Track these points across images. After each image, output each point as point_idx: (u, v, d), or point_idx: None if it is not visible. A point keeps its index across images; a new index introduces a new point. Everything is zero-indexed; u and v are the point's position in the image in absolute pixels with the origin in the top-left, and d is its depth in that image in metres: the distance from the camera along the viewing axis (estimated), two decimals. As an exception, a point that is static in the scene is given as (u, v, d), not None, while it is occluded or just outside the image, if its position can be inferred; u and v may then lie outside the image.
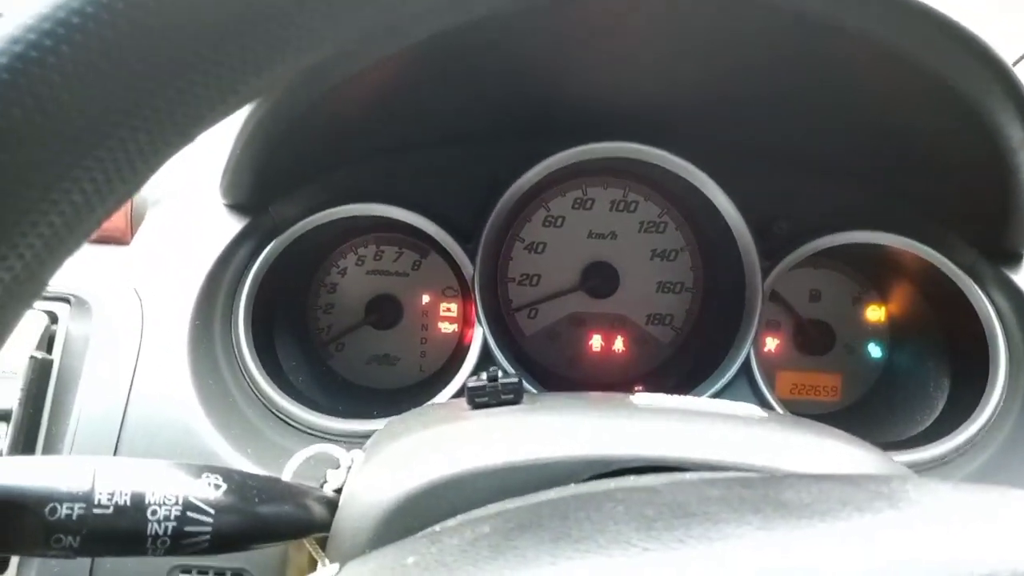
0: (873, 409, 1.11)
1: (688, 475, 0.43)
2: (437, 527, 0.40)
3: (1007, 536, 0.32)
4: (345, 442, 0.83)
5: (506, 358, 0.96)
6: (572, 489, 0.44)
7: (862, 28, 0.70)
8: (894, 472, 0.57)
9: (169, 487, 0.48)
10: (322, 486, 0.59)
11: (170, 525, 0.47)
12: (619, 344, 1.16)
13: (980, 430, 0.88)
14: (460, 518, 0.43)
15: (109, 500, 0.46)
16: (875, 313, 1.14)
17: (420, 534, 0.38)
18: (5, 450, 0.69)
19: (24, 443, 0.70)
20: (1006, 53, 0.72)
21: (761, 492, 0.36)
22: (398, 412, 0.80)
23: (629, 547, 0.31)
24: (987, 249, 0.93)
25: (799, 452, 0.56)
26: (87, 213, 0.27)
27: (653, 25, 0.78)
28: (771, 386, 0.99)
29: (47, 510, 0.43)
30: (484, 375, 0.64)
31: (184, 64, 0.26)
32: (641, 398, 0.64)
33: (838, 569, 0.28)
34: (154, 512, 0.47)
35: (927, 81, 0.73)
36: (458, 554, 0.33)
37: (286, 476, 0.61)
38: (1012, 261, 0.92)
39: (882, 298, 1.15)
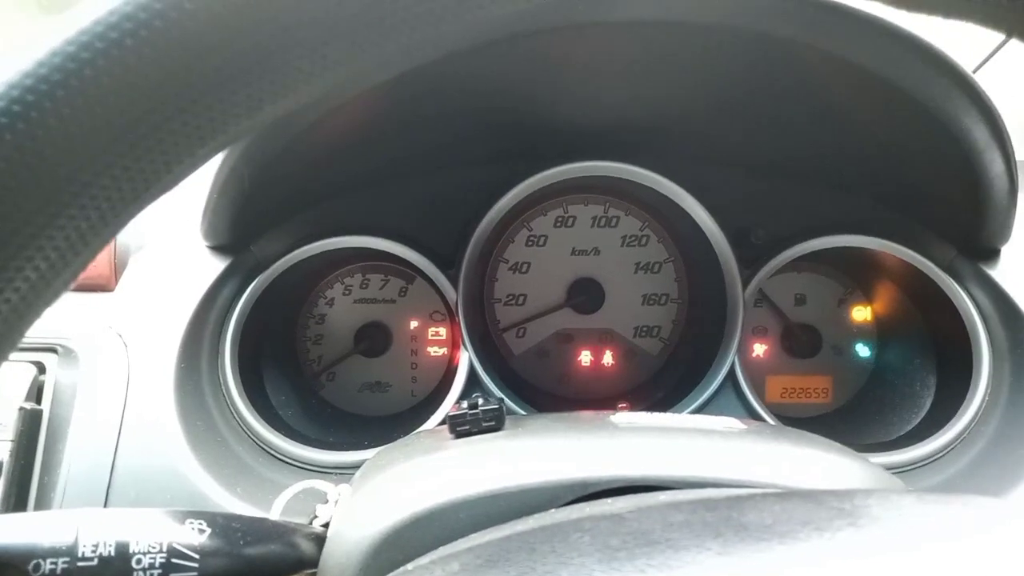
0: (864, 409, 1.12)
1: (658, 498, 0.44)
2: (410, 566, 0.40)
3: (966, 549, 0.33)
4: (336, 474, 0.84)
5: (493, 379, 0.96)
6: (546, 518, 0.45)
7: (825, 46, 0.71)
8: (874, 478, 0.57)
9: (153, 535, 0.48)
10: (311, 522, 0.59)
11: (155, 572, 0.47)
12: (608, 358, 1.16)
13: (966, 427, 0.89)
14: (433, 554, 0.43)
15: (93, 552, 0.46)
16: (861, 314, 1.15)
17: (391, 574, 0.39)
18: (-2, 503, 0.69)
19: (16, 495, 0.71)
20: (965, 59, 0.74)
21: (724, 515, 0.37)
22: (390, 440, 0.81)
23: (591, 579, 0.32)
24: (965, 246, 0.94)
25: (777, 463, 0.56)
26: (78, 250, 0.28)
27: (626, 49, 0.79)
28: (759, 392, 1.00)
29: (31, 566, 0.44)
30: (465, 403, 0.65)
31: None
32: (621, 417, 0.65)
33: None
34: (139, 561, 0.47)
35: (891, 91, 0.74)
36: (426, 594, 0.34)
37: (274, 514, 0.62)
38: (989, 257, 0.93)
39: (867, 299, 1.15)
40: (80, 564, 0.46)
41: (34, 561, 0.44)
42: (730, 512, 0.37)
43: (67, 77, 0.26)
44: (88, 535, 0.46)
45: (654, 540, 0.35)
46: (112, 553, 0.47)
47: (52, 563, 0.45)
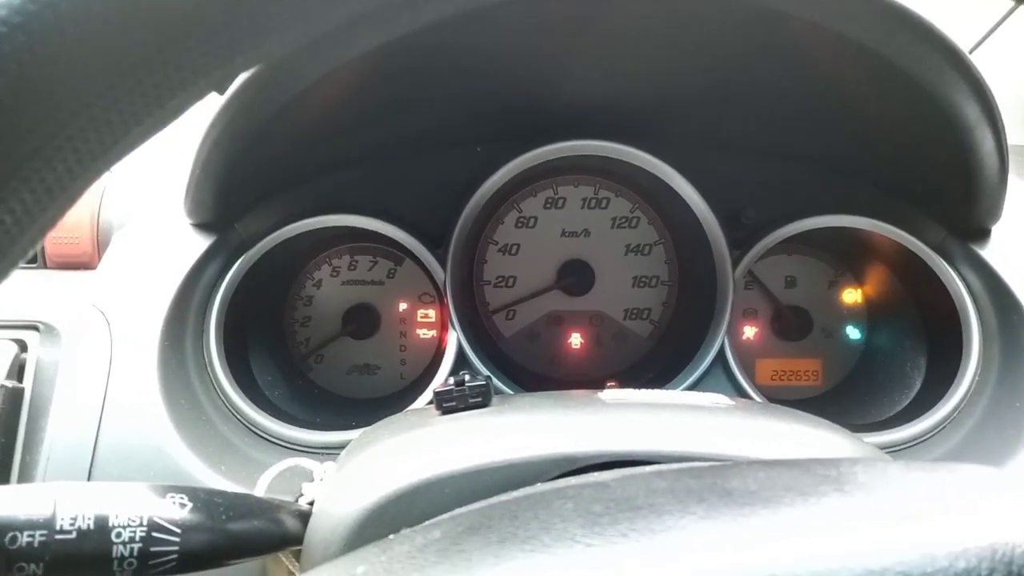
0: (854, 392, 1.11)
1: (643, 468, 0.44)
2: (392, 535, 0.40)
3: (952, 515, 0.32)
4: (322, 454, 0.83)
5: (482, 360, 0.96)
6: (530, 489, 0.44)
7: (817, 19, 0.70)
8: (860, 453, 0.57)
9: (133, 509, 0.48)
10: (297, 500, 0.59)
11: (135, 547, 0.47)
12: (598, 341, 1.16)
13: (956, 407, 0.89)
14: (420, 525, 0.43)
15: (71, 525, 0.46)
16: (851, 296, 1.15)
17: (374, 543, 0.38)
18: (-22, 481, 0.69)
19: (-3, 473, 0.70)
20: (960, 38, 0.73)
21: (709, 481, 0.37)
22: (377, 421, 0.80)
23: (573, 544, 0.32)
24: (955, 226, 0.94)
25: (765, 438, 0.56)
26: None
27: (616, 24, 0.78)
28: (749, 374, 0.99)
29: (7, 539, 0.43)
30: (452, 380, 0.64)
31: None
32: (609, 394, 0.64)
33: (773, 557, 0.29)
34: (118, 534, 0.47)
35: (883, 67, 0.74)
36: (406, 560, 0.33)
37: (259, 491, 0.61)
38: (980, 237, 0.93)
39: (857, 281, 1.15)
40: (58, 537, 0.45)
41: (10, 534, 0.44)
42: (714, 479, 0.37)
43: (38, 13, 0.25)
44: (66, 508, 0.46)
45: (637, 506, 0.34)
46: (91, 526, 0.46)
47: (29, 536, 0.44)
